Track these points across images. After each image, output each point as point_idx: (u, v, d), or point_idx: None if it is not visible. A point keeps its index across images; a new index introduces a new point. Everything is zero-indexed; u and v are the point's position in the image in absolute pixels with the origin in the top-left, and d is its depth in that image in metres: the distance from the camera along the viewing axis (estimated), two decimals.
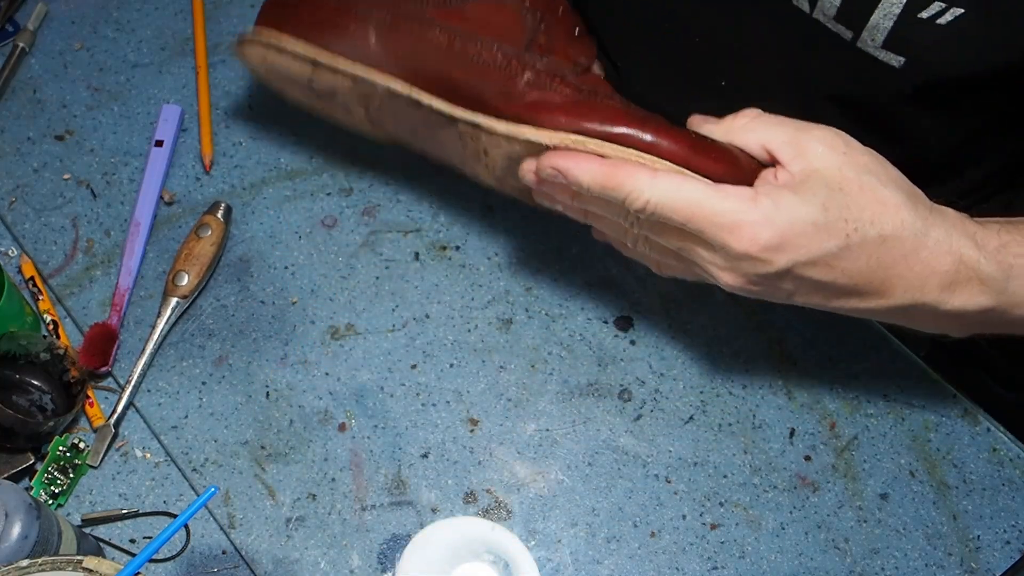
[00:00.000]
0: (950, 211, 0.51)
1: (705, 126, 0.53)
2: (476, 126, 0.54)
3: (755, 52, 0.66)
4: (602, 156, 0.51)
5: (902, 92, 0.60)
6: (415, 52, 0.55)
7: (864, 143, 0.68)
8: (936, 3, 0.52)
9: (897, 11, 0.53)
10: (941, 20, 0.53)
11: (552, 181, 0.52)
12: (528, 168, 0.54)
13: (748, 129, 0.51)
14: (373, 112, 0.59)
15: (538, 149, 0.53)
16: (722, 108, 0.72)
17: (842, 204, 0.48)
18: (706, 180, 0.49)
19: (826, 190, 0.48)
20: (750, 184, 0.49)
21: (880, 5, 0.53)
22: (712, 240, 0.49)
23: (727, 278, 0.50)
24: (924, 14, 0.53)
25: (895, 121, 0.65)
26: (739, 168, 0.50)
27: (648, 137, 0.50)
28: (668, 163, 0.50)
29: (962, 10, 0.52)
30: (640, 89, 0.75)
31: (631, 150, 0.50)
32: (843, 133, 0.50)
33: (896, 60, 0.56)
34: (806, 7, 0.57)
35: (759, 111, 0.52)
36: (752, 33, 0.65)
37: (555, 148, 0.52)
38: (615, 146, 0.50)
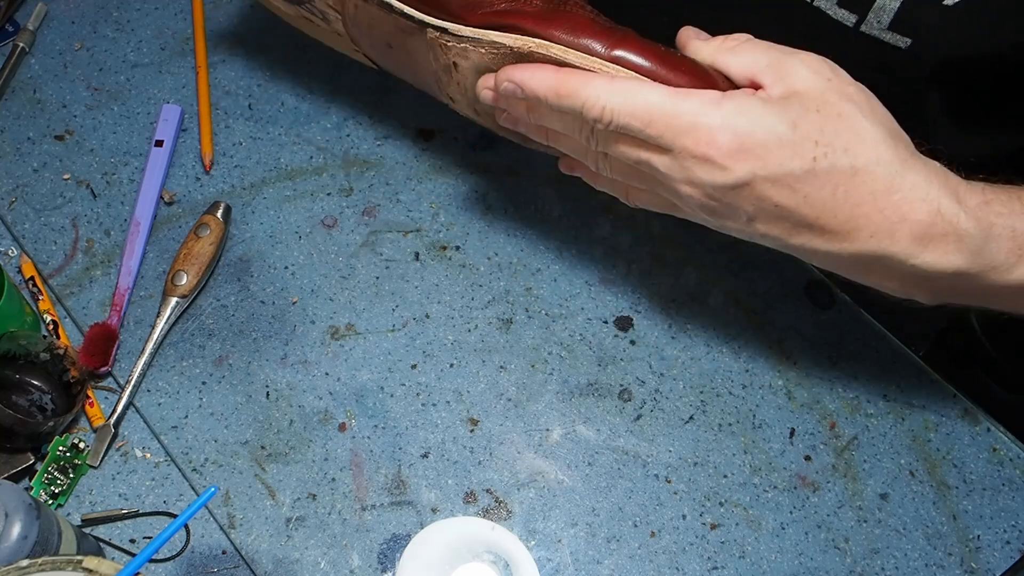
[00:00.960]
0: (934, 162, 0.48)
1: (693, 42, 0.51)
2: (444, 31, 0.53)
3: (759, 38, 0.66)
4: (565, 65, 0.49)
5: (910, 75, 0.59)
6: None
7: None
8: None
9: None
10: (948, 1, 0.52)
11: (511, 96, 0.51)
12: (486, 84, 0.52)
13: (734, 52, 0.49)
14: (349, 20, 0.58)
15: (503, 59, 0.51)
16: None
17: (815, 126, 0.46)
18: (668, 87, 0.47)
19: (801, 109, 0.46)
20: None
21: None
22: (670, 144, 0.46)
23: (686, 190, 0.48)
24: None
25: (905, 106, 0.64)
26: (712, 86, 0.48)
27: (614, 48, 0.48)
28: (632, 73, 0.48)
29: None
30: None
31: (595, 59, 0.48)
32: (831, 62, 0.48)
33: (903, 41, 0.55)
34: None
35: (749, 36, 0.50)
36: (750, 25, 0.65)
37: (518, 52, 0.50)
38: (579, 54, 0.48)
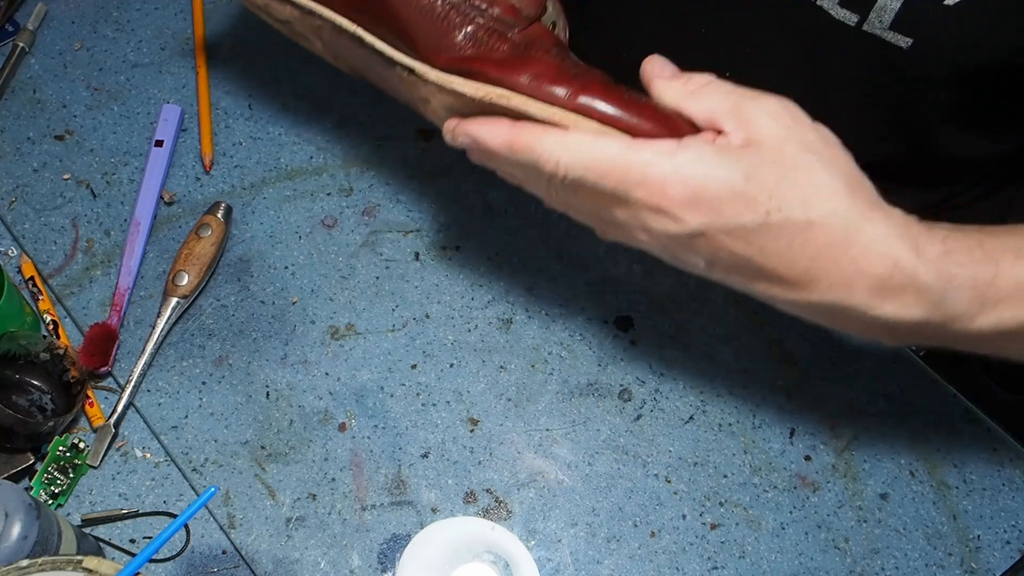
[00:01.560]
0: (896, 211, 0.47)
1: (657, 81, 0.50)
2: (411, 71, 0.53)
3: (757, 44, 0.66)
4: (525, 116, 0.49)
5: (912, 74, 0.59)
6: None
7: (877, 132, 0.66)
8: None
9: None
10: (949, 1, 0.52)
11: (468, 149, 0.51)
12: (449, 128, 0.52)
13: (696, 97, 0.48)
14: (327, 45, 0.59)
15: (468, 104, 0.51)
16: None
17: (771, 178, 0.45)
18: (625, 136, 0.47)
19: (757, 160, 0.45)
20: None
21: None
22: (624, 196, 0.46)
23: (643, 236, 0.48)
24: None
25: (906, 106, 0.64)
26: (676, 132, 0.47)
27: (578, 95, 0.48)
28: (592, 123, 0.47)
29: None
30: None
31: (556, 109, 0.48)
32: (794, 106, 0.48)
33: (904, 41, 0.55)
34: None
35: (712, 77, 0.49)
36: (753, 24, 0.64)
37: (481, 101, 0.50)
38: (541, 104, 0.48)
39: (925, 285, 0.45)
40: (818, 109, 0.63)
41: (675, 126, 0.47)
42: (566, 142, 0.47)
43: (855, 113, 0.67)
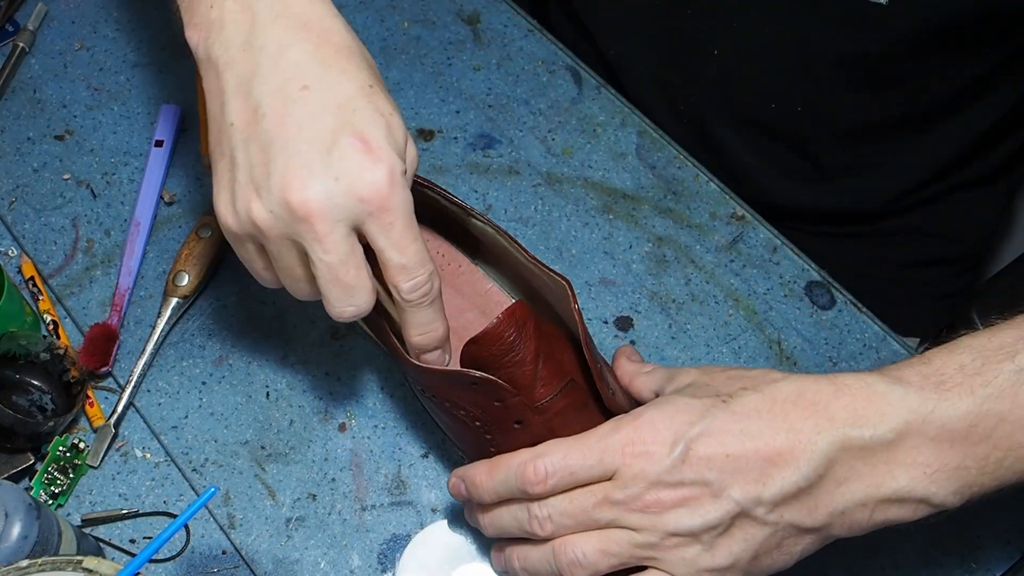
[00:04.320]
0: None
1: (622, 360, 0.55)
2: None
3: (744, 18, 0.66)
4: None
5: (891, 35, 0.60)
6: None
7: (863, 98, 0.67)
8: None
9: None
10: None
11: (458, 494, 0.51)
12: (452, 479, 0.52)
13: (648, 374, 0.53)
14: None
15: None
16: (719, 77, 0.72)
17: (708, 383, 0.47)
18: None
19: (691, 386, 0.48)
20: None
21: None
22: (611, 466, 0.45)
23: (648, 497, 0.45)
24: None
25: (894, 72, 0.64)
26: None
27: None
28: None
29: None
30: (628, 63, 0.75)
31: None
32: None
33: None
34: None
35: (657, 365, 0.54)
36: (737, 4, 0.65)
37: None
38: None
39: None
40: (806, 83, 0.64)
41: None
42: (545, 454, 0.47)
43: (839, 81, 0.67)
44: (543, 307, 0.55)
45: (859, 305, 0.65)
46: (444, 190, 0.56)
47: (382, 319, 0.54)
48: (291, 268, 0.48)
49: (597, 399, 0.52)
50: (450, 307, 0.59)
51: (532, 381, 0.50)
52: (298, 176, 0.44)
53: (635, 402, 0.54)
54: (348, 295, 0.47)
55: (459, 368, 0.49)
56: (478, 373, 0.48)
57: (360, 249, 0.47)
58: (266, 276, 0.51)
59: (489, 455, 0.51)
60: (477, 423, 0.51)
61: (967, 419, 0.44)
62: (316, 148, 0.45)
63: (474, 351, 0.50)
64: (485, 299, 0.59)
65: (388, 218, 0.45)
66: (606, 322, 0.65)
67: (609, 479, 0.46)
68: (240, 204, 0.46)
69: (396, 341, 0.53)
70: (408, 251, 0.46)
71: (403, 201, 0.46)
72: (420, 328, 0.50)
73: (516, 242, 0.54)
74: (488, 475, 0.48)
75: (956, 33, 0.60)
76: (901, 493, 0.44)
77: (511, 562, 0.50)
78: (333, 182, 0.44)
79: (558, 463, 0.46)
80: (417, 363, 0.51)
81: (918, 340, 0.78)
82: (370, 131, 0.45)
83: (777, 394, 0.45)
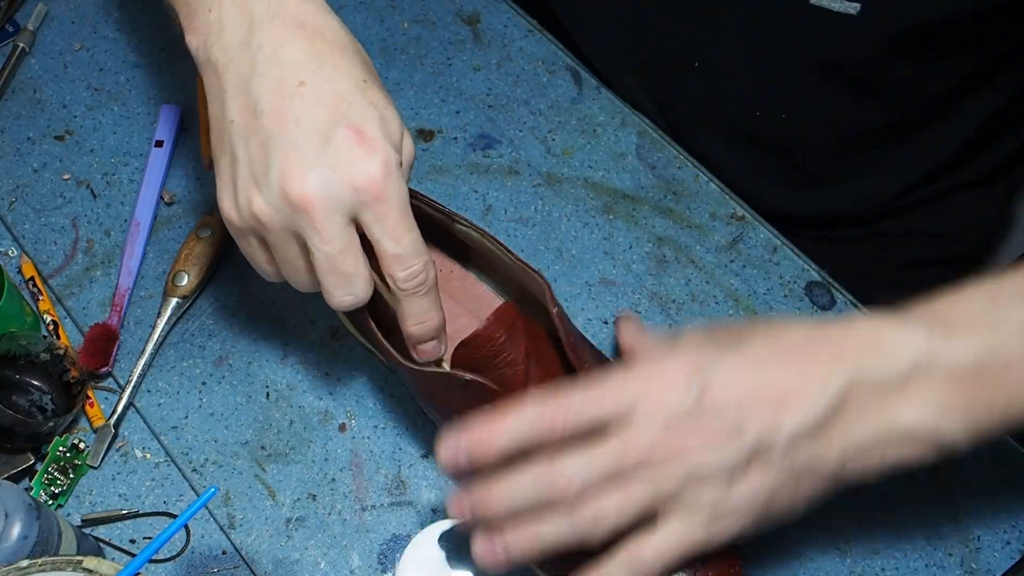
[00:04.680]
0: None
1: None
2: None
3: (723, 31, 0.67)
4: None
5: (865, 45, 0.61)
6: None
7: (847, 106, 0.68)
8: None
9: None
10: None
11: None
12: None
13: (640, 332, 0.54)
14: None
15: None
16: (700, 88, 0.73)
17: (715, 335, 0.47)
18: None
19: (699, 339, 0.48)
20: None
21: None
22: (629, 405, 0.45)
23: (673, 436, 0.45)
24: None
25: (874, 79, 0.65)
26: None
27: None
28: None
29: None
30: (609, 76, 0.76)
31: None
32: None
33: (852, 7, 0.57)
34: None
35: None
36: (719, 12, 0.66)
37: None
38: None
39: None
40: (788, 92, 0.65)
41: None
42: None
43: (822, 90, 0.68)
44: (533, 307, 0.55)
45: (859, 305, 0.65)
46: (427, 198, 0.56)
47: (371, 322, 0.54)
48: (292, 260, 0.49)
49: None
50: (444, 313, 0.59)
51: (524, 381, 0.50)
52: (296, 168, 0.46)
53: None
54: (346, 284, 0.48)
55: (450, 370, 0.50)
56: (469, 376, 0.48)
57: (357, 239, 0.48)
58: (268, 269, 0.52)
59: None
60: None
61: (974, 362, 0.44)
62: (313, 141, 0.46)
63: (465, 354, 0.50)
64: (478, 303, 0.60)
65: (383, 208, 0.47)
66: (606, 322, 0.65)
67: (624, 426, 0.45)
68: (242, 199, 0.48)
69: (389, 346, 0.52)
70: (403, 240, 0.48)
71: (398, 191, 0.47)
72: (416, 318, 0.51)
73: (500, 244, 0.54)
74: (497, 430, 0.45)
75: (931, 38, 0.61)
76: (912, 429, 0.45)
77: (517, 543, 0.46)
78: (330, 173, 0.45)
79: (576, 408, 0.45)
80: (411, 366, 0.51)
81: None
82: (364, 123, 0.46)
83: (787, 337, 0.46)
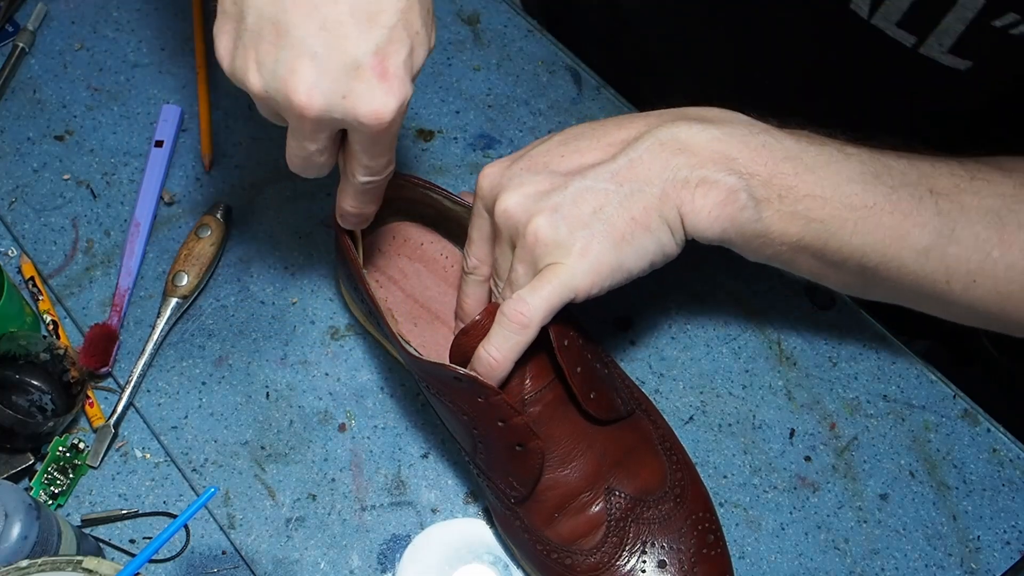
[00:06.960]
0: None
1: None
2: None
3: (804, 62, 0.64)
4: None
5: (967, 98, 0.59)
6: None
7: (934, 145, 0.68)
8: (1011, 14, 0.51)
9: (970, 16, 0.52)
10: (1015, 31, 0.52)
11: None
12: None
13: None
14: None
15: None
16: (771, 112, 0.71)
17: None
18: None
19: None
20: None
21: (953, 9, 0.52)
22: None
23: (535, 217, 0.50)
24: (998, 23, 0.52)
25: (961, 126, 0.63)
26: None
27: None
28: None
29: None
30: (678, 102, 0.75)
31: None
32: None
33: (963, 64, 0.55)
34: (864, 12, 0.56)
35: None
36: (807, 41, 0.63)
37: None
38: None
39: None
40: (867, 125, 0.62)
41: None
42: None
43: (907, 128, 0.66)
44: None
45: (859, 306, 0.65)
46: (447, 191, 0.58)
47: (384, 317, 0.54)
48: (270, 116, 0.50)
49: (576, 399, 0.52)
50: (447, 299, 0.61)
51: (522, 373, 0.50)
52: (305, 79, 0.44)
53: (624, 402, 0.54)
54: (310, 168, 0.51)
55: (447, 363, 0.50)
56: (463, 370, 0.49)
57: (336, 142, 0.50)
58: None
59: (478, 450, 0.52)
60: (464, 416, 0.52)
61: (785, 152, 0.50)
62: (332, 58, 0.44)
63: (464, 342, 0.50)
64: None
65: (374, 138, 0.47)
66: (606, 322, 0.65)
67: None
68: (238, 63, 0.47)
69: (400, 339, 0.53)
70: (378, 158, 0.50)
71: (395, 127, 0.47)
72: (355, 204, 0.54)
73: None
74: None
75: None
76: (705, 175, 0.50)
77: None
78: (339, 99, 0.45)
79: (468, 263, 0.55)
80: (414, 355, 0.52)
81: (918, 340, 0.78)
82: (391, 55, 0.45)
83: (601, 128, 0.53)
